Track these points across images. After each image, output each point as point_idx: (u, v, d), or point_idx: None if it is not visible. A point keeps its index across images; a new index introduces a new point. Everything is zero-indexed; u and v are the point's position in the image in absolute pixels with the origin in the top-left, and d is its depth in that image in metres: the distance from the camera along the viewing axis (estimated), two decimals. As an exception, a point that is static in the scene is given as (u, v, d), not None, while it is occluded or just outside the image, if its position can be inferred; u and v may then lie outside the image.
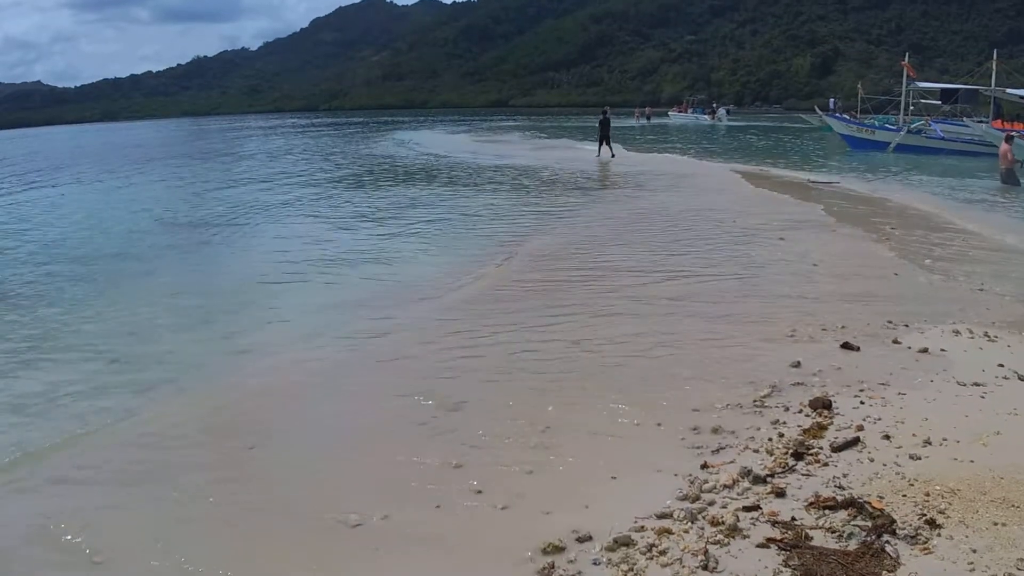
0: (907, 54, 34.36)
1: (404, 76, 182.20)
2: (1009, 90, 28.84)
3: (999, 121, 27.78)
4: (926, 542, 3.18)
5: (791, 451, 4.12)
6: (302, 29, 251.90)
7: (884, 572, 2.99)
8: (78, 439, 4.93)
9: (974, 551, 3.10)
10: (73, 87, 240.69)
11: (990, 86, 30.03)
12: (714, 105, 74.15)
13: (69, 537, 3.71)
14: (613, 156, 26.86)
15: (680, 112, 73.58)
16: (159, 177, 27.03)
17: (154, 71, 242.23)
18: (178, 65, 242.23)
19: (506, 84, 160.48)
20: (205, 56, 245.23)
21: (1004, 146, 18.26)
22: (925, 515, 3.37)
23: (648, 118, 68.80)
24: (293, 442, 4.78)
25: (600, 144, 27.51)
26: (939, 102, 32.83)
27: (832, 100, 44.31)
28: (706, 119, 65.99)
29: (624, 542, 3.31)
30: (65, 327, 7.70)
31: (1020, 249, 10.55)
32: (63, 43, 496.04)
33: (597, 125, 28.36)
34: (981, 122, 27.94)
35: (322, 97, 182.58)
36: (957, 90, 32.72)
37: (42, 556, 3.60)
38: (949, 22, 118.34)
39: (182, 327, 7.65)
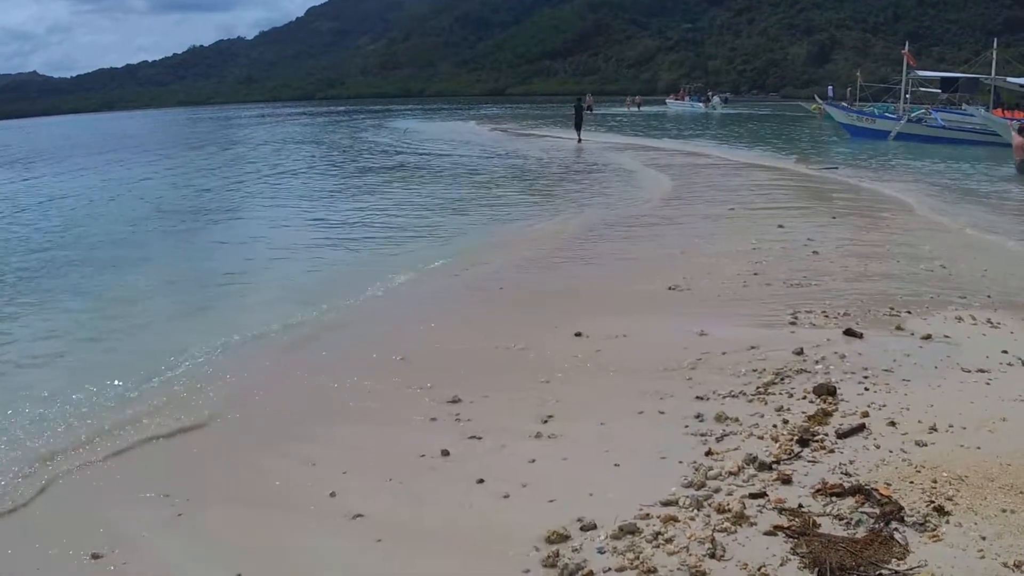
0: (906, 42, 34.17)
1: (400, 65, 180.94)
2: (1010, 78, 28.77)
3: (999, 109, 27.74)
4: (935, 529, 3.15)
5: (796, 438, 4.08)
6: (298, 18, 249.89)
7: (893, 560, 2.95)
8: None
9: (983, 538, 3.06)
10: (69, 77, 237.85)
11: (989, 74, 29.96)
12: (709, 93, 74.36)
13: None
14: (579, 141, 28.78)
15: (677, 100, 73.72)
16: (152, 167, 26.87)
17: (150, 60, 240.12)
18: (174, 55, 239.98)
19: (503, 73, 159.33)
20: (201, 45, 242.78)
21: (1018, 138, 18.07)
22: (933, 502, 3.33)
23: (639, 106, 70.15)
24: (289, 430, 4.72)
25: (578, 130, 29.60)
26: (938, 90, 32.74)
27: (830, 87, 44.13)
28: (700, 107, 66.30)
29: (629, 530, 3.26)
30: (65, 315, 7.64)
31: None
32: (60, 33, 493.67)
33: (573, 111, 30.85)
34: (980, 108, 27.89)
35: (318, 86, 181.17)
36: (957, 79, 32.62)
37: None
38: (946, 10, 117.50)
39: (178, 313, 7.62)
